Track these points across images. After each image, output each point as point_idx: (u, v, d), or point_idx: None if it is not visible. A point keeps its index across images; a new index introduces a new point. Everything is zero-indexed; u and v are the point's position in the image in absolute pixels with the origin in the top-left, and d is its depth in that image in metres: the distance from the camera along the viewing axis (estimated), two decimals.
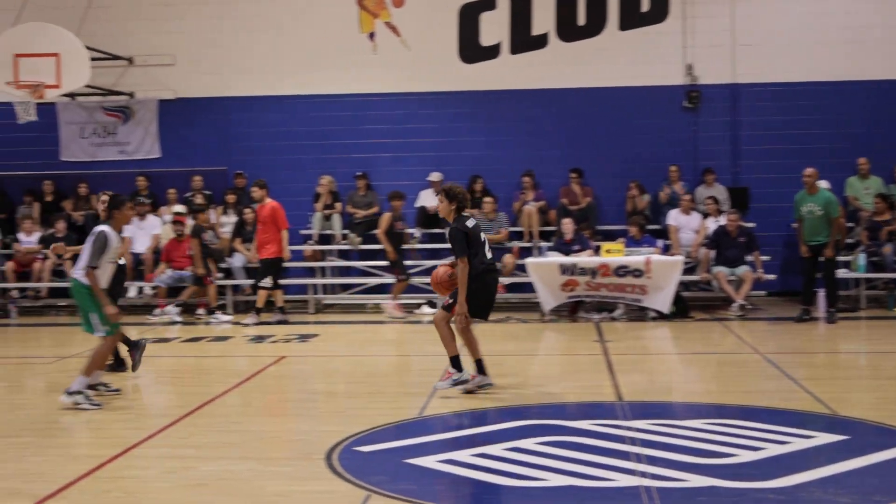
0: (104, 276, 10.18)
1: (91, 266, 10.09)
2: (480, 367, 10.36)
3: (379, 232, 17.55)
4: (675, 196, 18.27)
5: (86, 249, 10.20)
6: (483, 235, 10.30)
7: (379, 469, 7.59)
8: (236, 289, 18.32)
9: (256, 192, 16.45)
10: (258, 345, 14.51)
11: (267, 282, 16.48)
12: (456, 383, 10.27)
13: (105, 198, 10.90)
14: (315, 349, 14.15)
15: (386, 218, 17.50)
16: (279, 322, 16.51)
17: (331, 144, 19.33)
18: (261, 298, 16.64)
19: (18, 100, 17.34)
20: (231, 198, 18.95)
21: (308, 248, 18.74)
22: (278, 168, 19.30)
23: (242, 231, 18.32)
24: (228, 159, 19.46)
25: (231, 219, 18.69)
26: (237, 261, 18.19)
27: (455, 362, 10.28)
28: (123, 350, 11.89)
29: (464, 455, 7.87)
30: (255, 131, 19.47)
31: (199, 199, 18.82)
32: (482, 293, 10.15)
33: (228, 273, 18.27)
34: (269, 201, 16.42)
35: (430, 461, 7.72)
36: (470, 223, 10.22)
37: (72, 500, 7.05)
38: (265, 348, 14.22)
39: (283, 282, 17.59)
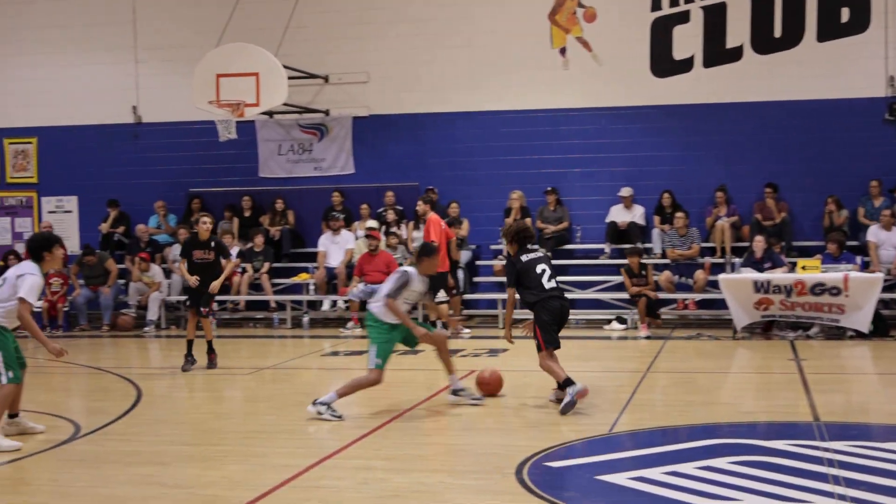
0: None
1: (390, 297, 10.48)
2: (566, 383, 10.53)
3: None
4: (874, 211, 17.68)
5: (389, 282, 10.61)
6: (541, 266, 10.83)
7: (570, 485, 7.60)
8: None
9: (420, 207, 16.81)
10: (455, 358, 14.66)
11: (441, 295, 16.75)
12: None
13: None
14: (504, 363, 14.21)
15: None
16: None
17: (521, 160, 19.44)
18: (443, 312, 16.87)
19: (220, 118, 18.06)
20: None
21: (498, 263, 18.87)
22: (469, 183, 19.52)
23: None
24: (420, 175, 19.78)
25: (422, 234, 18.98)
26: None
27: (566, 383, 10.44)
28: None
29: (655, 473, 7.80)
30: (447, 147, 19.74)
31: (391, 215, 19.19)
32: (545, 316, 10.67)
33: None
34: (430, 215, 16.65)
35: (621, 478, 7.68)
36: (524, 257, 10.75)
37: None
38: (455, 362, 14.35)
39: (472, 297, 17.77)
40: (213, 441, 9.64)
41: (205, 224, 14.10)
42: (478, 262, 19.25)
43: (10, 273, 9.54)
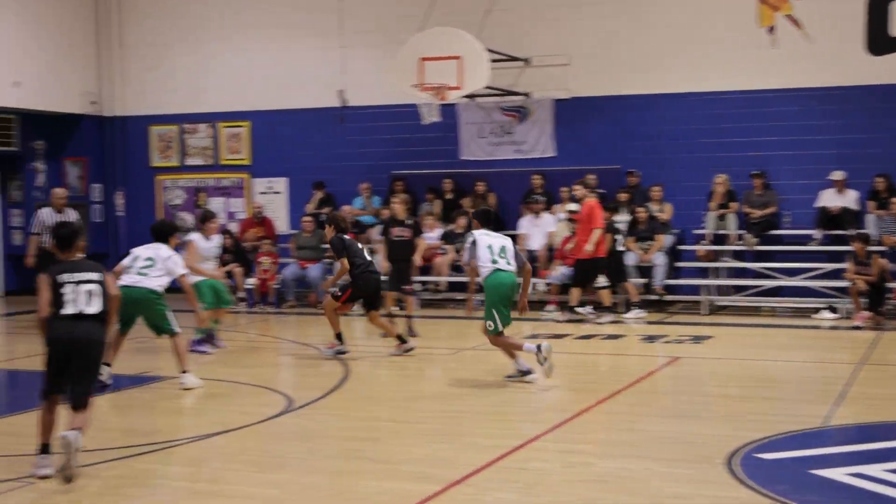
0: None
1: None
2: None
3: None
4: None
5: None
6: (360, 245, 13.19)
7: (783, 478, 7.37)
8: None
9: (579, 191, 16.70)
10: (650, 344, 14.50)
11: (602, 280, 16.62)
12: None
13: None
14: (709, 351, 13.95)
15: None
16: (568, 320, 16.79)
17: (726, 142, 18.97)
18: (605, 296, 16.74)
19: (423, 101, 18.23)
20: (624, 196, 19.03)
21: (701, 248, 18.50)
22: (671, 166, 19.18)
23: (636, 229, 18.35)
24: (622, 157, 19.53)
25: (624, 217, 18.77)
26: (630, 259, 18.23)
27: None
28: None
29: (876, 470, 7.48)
30: (649, 129, 19.43)
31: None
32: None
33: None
34: (588, 200, 16.46)
35: (837, 473, 7.40)
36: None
37: (477, 487, 7.32)
38: (658, 348, 14.18)
39: (672, 282, 17.48)
40: (418, 419, 9.77)
41: (399, 203, 15.06)
42: (680, 247, 18.89)
43: (150, 253, 11.43)
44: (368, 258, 13.32)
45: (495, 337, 11.40)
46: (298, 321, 17.83)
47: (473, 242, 11.41)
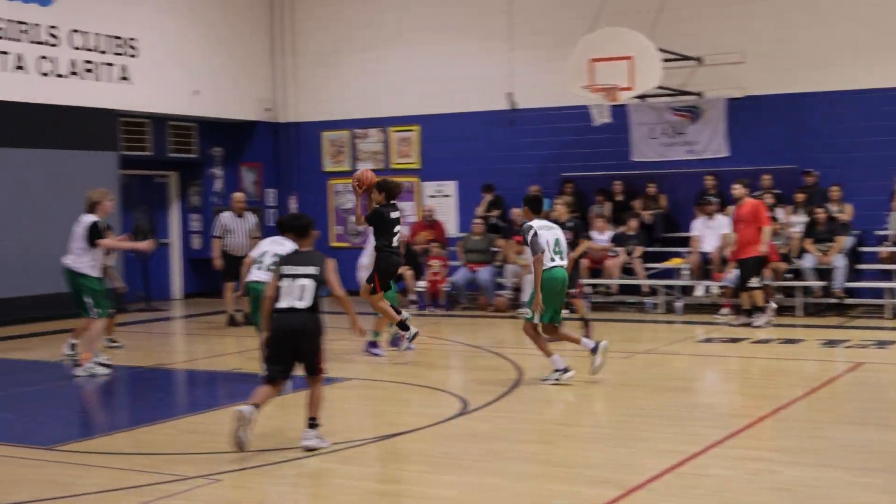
0: None
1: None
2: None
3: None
4: None
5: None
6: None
7: None
8: (807, 290, 17.84)
9: (738, 190, 16.26)
10: (831, 349, 14.05)
11: (755, 282, 16.12)
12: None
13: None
14: (894, 357, 13.45)
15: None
16: (743, 324, 16.26)
17: None
18: (758, 297, 16.25)
19: (593, 103, 18.10)
20: (800, 197, 18.51)
21: (884, 249, 17.85)
22: (851, 165, 18.58)
23: (814, 231, 17.82)
24: (798, 157, 19.01)
25: (801, 218, 18.25)
26: (807, 261, 17.72)
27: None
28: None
29: None
30: (828, 128, 18.85)
31: (768, 199, 18.55)
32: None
33: (798, 274, 17.86)
34: (748, 199, 16.10)
35: None
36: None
37: (658, 493, 7.19)
38: (839, 353, 13.74)
39: (853, 285, 16.93)
40: (593, 423, 9.69)
41: (561, 205, 14.95)
42: (861, 249, 18.26)
43: (278, 249, 11.54)
44: (395, 241, 13.36)
45: (531, 327, 11.49)
46: (469, 324, 17.90)
47: (535, 234, 11.32)
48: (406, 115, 22.15)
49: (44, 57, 18.77)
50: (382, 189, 13.23)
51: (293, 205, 23.12)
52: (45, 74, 18.80)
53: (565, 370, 11.55)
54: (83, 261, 12.63)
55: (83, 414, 11.19)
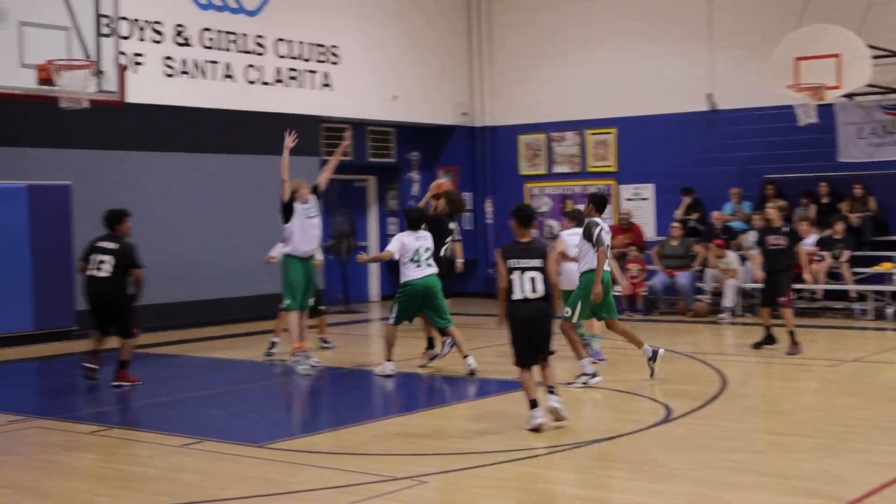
0: None
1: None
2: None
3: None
4: None
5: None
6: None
7: None
8: None
9: None
10: None
11: None
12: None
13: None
14: None
15: None
16: None
17: None
18: None
19: (799, 102, 17.55)
20: None
21: None
22: None
23: None
24: None
25: None
26: None
27: None
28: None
29: None
30: None
31: None
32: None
33: None
34: None
35: None
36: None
37: None
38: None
39: None
40: (804, 432, 9.36)
41: (774, 209, 14.41)
42: None
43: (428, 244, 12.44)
44: (441, 251, 13.34)
45: (569, 326, 11.78)
46: (668, 329, 17.59)
47: (601, 230, 11.65)
48: (603, 118, 21.98)
49: (251, 66, 19.38)
50: (449, 199, 13.24)
51: (489, 208, 23.23)
52: (252, 82, 19.41)
53: (593, 375, 11.71)
54: (284, 249, 13.09)
55: (289, 413, 11.47)
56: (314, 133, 20.54)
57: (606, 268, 11.76)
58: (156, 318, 17.19)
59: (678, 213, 20.38)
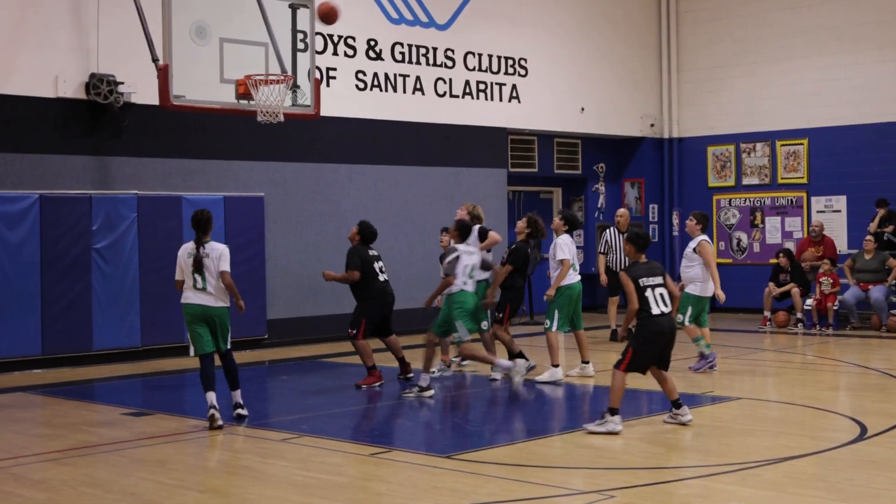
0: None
1: None
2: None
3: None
4: None
5: None
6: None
7: None
8: None
9: None
10: None
11: None
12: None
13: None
14: None
15: None
16: None
17: None
18: None
19: None
20: None
21: None
22: None
23: None
24: None
25: None
26: None
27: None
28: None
29: None
30: None
31: None
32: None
33: None
34: None
35: None
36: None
37: None
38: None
39: None
40: None
41: None
42: None
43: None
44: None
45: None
46: (861, 344, 16.91)
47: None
48: (794, 129, 21.31)
49: (440, 79, 19.52)
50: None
51: (675, 220, 22.80)
52: (441, 95, 19.54)
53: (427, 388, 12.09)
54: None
55: (473, 423, 11.41)
56: (502, 145, 20.55)
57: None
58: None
59: (872, 226, 19.56)
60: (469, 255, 12.26)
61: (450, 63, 19.65)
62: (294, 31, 14.28)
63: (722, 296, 13.66)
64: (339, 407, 11.74)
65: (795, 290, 18.64)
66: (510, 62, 20.58)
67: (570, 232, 13.39)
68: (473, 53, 19.99)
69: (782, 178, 21.50)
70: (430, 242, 18.90)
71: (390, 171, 18.87)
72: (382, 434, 10.48)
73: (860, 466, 8.37)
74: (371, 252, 13.02)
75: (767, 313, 19.09)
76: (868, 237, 19.00)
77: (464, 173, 19.73)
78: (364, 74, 18.56)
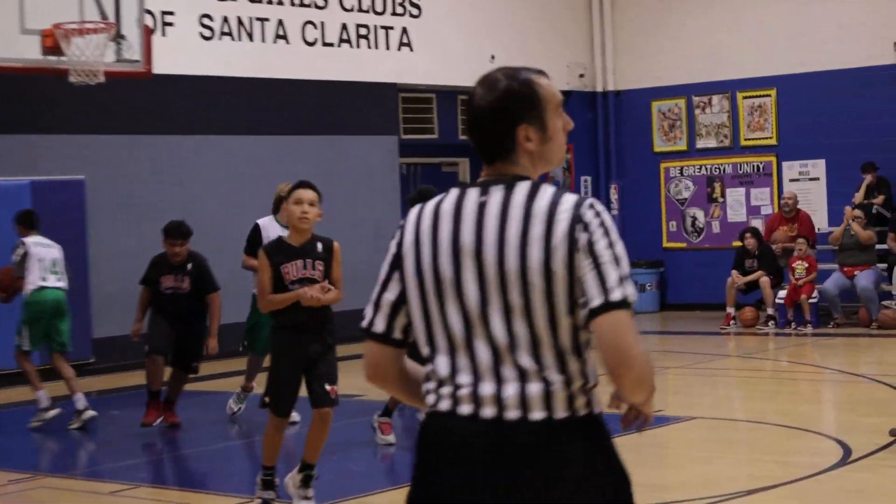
0: None
1: None
2: None
3: None
4: None
5: None
6: None
7: None
8: None
9: None
10: None
11: None
12: None
13: None
14: None
15: None
16: None
17: None
18: None
19: None
20: None
21: None
22: None
23: None
24: None
25: None
26: None
27: None
28: None
29: None
30: None
31: None
32: None
33: None
34: None
35: None
36: None
37: None
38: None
39: None
40: None
41: None
42: None
43: None
44: None
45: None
46: (846, 345, 17.34)
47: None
48: (759, 77, 21.66)
49: (309, 22, 19.46)
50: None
51: (614, 196, 23.07)
52: (311, 44, 19.49)
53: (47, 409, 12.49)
54: None
55: None
56: (390, 106, 20.58)
57: (48, 283, 12.68)
58: None
59: (857, 197, 20.03)
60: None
61: (321, 2, 19.62)
62: None
63: None
64: (188, 447, 11.71)
65: (765, 280, 18.98)
66: (398, 0, 20.62)
67: None
68: None
69: (746, 140, 21.89)
70: None
71: (250, 143, 18.74)
72: (246, 481, 10.46)
73: (843, 497, 8.63)
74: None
75: (731, 310, 19.43)
76: (854, 210, 19.38)
77: (344, 143, 19.70)
78: (210, 19, 18.44)
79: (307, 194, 8.56)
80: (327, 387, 8.51)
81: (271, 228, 12.04)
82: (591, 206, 3.71)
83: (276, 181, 18.76)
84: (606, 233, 3.66)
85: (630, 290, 3.61)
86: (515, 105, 3.82)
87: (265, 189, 18.65)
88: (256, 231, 12.30)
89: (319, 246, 8.64)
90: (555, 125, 3.88)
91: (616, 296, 3.57)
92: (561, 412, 3.61)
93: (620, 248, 3.66)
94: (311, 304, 8.35)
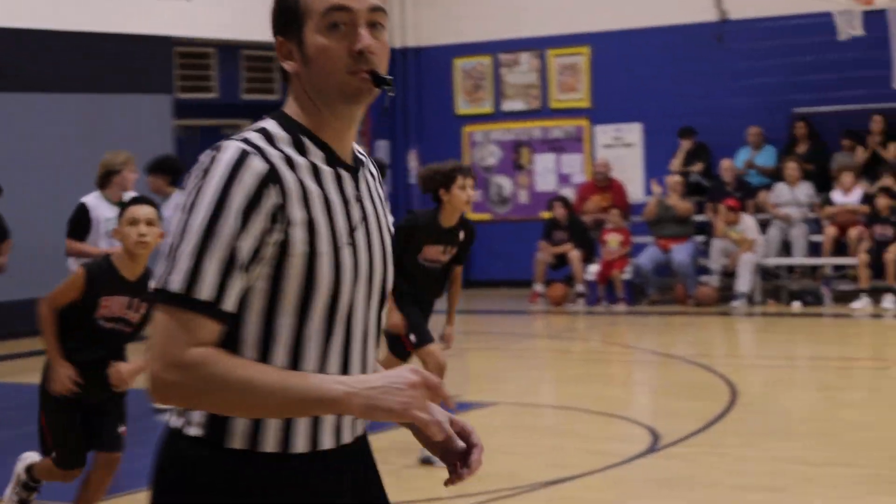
0: None
1: None
2: None
3: None
4: None
5: None
6: None
7: None
8: None
9: None
10: None
11: None
12: None
13: None
14: None
15: None
16: None
17: None
18: None
19: (840, 9, 17.57)
20: None
21: None
22: None
23: None
24: None
25: None
26: None
27: None
28: None
29: None
30: None
31: None
32: None
33: None
34: None
35: None
36: None
37: None
38: None
39: None
40: (846, 460, 9.32)
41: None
42: None
43: None
44: None
45: None
46: (661, 323, 17.65)
47: None
48: (571, 34, 21.89)
49: None
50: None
51: (413, 162, 23.06)
52: None
53: None
54: None
55: None
56: (164, 62, 20.26)
57: None
58: None
59: (675, 164, 20.37)
60: None
61: None
62: None
63: None
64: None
65: (574, 254, 19.17)
66: None
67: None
68: None
69: (556, 102, 22.10)
70: (65, 204, 18.40)
71: (2, 101, 18.32)
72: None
73: (650, 486, 8.71)
74: None
75: (539, 286, 19.62)
76: (671, 178, 19.67)
77: (109, 102, 19.29)
78: None
79: (144, 211, 7.23)
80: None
81: (101, 209, 11.30)
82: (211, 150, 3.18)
83: (34, 145, 18.44)
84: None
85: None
86: (276, 15, 3.29)
87: (19, 153, 18.28)
88: (84, 212, 11.46)
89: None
90: (314, 41, 3.17)
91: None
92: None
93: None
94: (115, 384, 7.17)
